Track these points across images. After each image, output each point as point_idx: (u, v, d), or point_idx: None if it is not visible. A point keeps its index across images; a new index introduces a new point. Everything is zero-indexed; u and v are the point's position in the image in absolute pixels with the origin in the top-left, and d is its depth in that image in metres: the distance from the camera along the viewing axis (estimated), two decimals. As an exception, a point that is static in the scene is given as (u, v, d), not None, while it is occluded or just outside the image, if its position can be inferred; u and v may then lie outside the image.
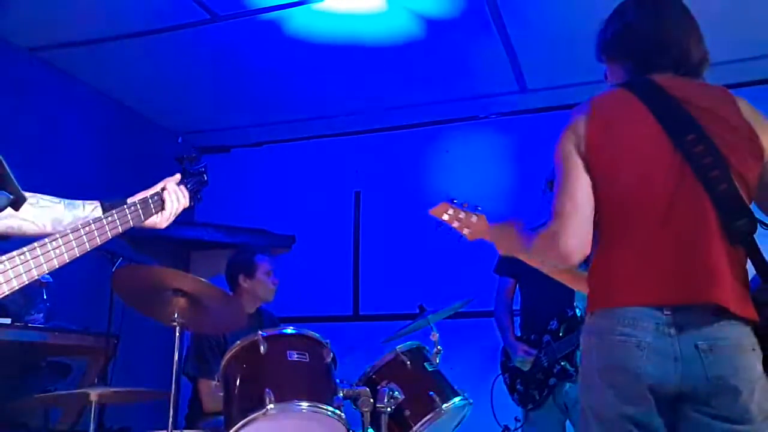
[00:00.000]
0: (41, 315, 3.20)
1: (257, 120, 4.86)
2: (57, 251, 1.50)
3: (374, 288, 4.67)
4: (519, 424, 3.34)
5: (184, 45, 3.79)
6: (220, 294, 2.48)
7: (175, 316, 2.39)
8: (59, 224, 1.70)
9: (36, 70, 3.91)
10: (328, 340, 2.44)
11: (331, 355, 2.42)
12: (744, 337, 1.50)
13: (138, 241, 4.16)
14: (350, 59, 3.95)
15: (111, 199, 1.79)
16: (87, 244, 1.58)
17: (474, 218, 2.24)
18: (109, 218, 1.66)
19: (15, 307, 3.11)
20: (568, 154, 1.64)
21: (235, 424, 2.17)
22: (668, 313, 1.49)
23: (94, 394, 2.46)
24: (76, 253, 1.55)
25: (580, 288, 1.79)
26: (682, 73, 1.70)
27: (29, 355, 3.36)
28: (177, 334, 2.39)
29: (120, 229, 1.70)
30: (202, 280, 2.40)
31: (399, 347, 2.67)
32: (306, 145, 5.08)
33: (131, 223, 1.74)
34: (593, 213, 1.61)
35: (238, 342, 2.36)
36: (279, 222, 4.90)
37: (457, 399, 2.61)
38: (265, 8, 3.44)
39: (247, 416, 2.16)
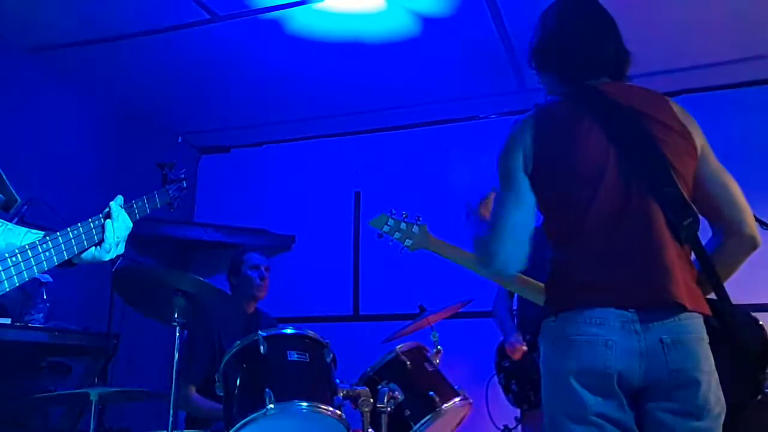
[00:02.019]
0: (41, 315, 3.20)
1: (257, 120, 4.85)
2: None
3: (374, 288, 4.67)
4: (519, 424, 3.35)
5: (184, 45, 3.79)
6: (220, 294, 2.48)
7: (175, 316, 2.39)
8: None
9: (36, 70, 3.91)
10: (328, 340, 2.44)
11: (331, 355, 2.42)
12: (701, 329, 1.54)
13: (138, 241, 4.17)
14: (350, 59, 3.95)
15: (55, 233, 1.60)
16: (51, 259, 1.47)
17: (415, 229, 2.29)
18: (74, 231, 1.56)
19: (15, 307, 3.11)
20: (512, 169, 1.67)
21: (235, 424, 2.18)
22: (633, 311, 1.51)
23: (94, 394, 2.46)
24: (45, 266, 1.46)
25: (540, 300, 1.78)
26: (611, 76, 1.73)
27: (29, 355, 3.36)
28: (177, 334, 2.39)
29: (85, 244, 1.58)
30: (202, 280, 2.40)
31: (399, 347, 2.68)
32: (306, 145, 5.08)
33: (54, 260, 1.53)
34: (531, 229, 1.63)
35: (238, 342, 2.36)
36: (279, 222, 4.90)
37: (457, 399, 2.61)
38: (265, 8, 3.44)
39: (247, 416, 2.16)
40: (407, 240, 2.30)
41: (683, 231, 1.57)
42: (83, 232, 1.62)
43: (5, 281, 1.40)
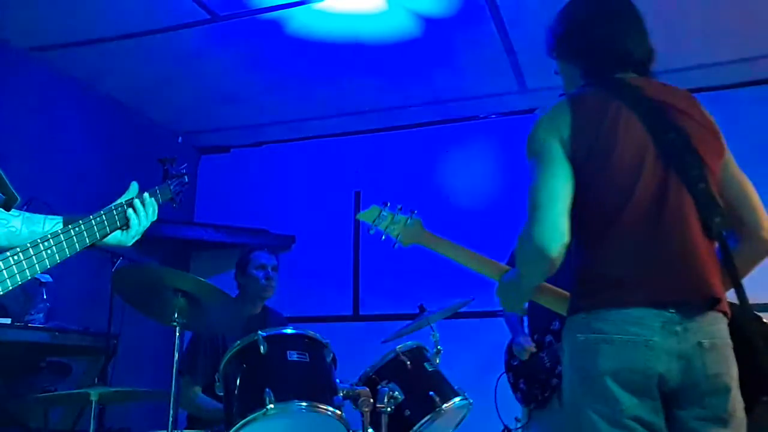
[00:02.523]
0: (41, 315, 3.20)
1: (257, 120, 4.86)
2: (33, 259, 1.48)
3: (374, 288, 4.67)
4: (519, 425, 3.34)
5: (184, 45, 3.79)
6: (220, 294, 2.48)
7: (175, 316, 2.39)
8: (15, 238, 1.66)
9: (36, 70, 3.91)
10: (328, 340, 2.44)
11: (331, 355, 2.42)
12: (728, 335, 1.53)
13: (138, 241, 4.16)
14: (350, 59, 3.95)
15: (74, 215, 1.71)
16: (43, 261, 1.50)
17: (409, 222, 2.17)
18: (76, 228, 1.60)
19: (15, 307, 3.11)
20: (549, 147, 1.60)
21: (235, 424, 2.17)
22: (673, 311, 1.49)
23: (94, 394, 2.45)
24: (47, 264, 1.49)
25: (563, 310, 1.72)
26: (638, 71, 1.70)
27: (29, 355, 3.36)
28: (177, 334, 2.39)
29: (87, 241, 1.62)
30: (202, 280, 2.40)
31: (399, 347, 2.67)
32: (306, 145, 5.08)
33: (97, 235, 1.66)
34: (570, 207, 1.56)
35: (238, 342, 2.36)
36: (279, 222, 4.90)
37: (457, 399, 2.61)
38: (265, 8, 3.44)
39: (247, 416, 2.16)
40: (400, 234, 2.17)
41: (714, 228, 1.55)
42: (106, 219, 1.69)
43: (30, 268, 1.45)
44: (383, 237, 2.22)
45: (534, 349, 3.18)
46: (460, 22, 3.55)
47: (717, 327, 1.51)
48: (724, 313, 1.53)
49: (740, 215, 1.65)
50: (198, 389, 3.07)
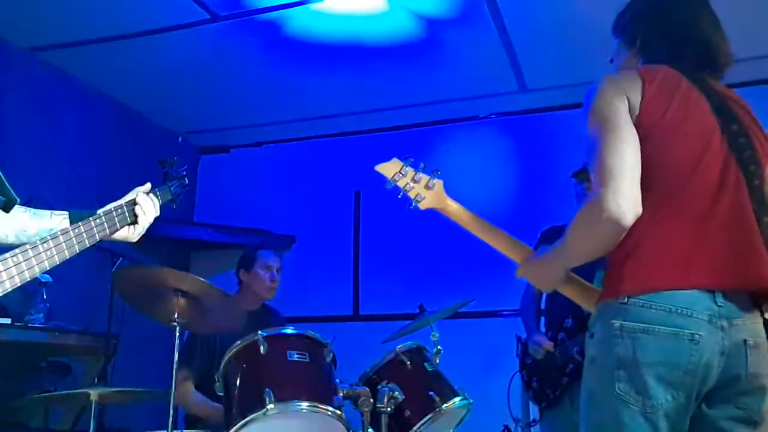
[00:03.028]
0: (41, 315, 3.20)
1: (257, 120, 4.86)
2: (39, 257, 1.50)
3: (374, 288, 4.66)
4: (519, 425, 3.34)
5: (184, 45, 3.79)
6: (220, 294, 2.48)
7: (175, 316, 2.39)
8: (23, 235, 1.69)
9: (36, 70, 3.91)
10: (328, 340, 2.44)
11: (331, 355, 2.42)
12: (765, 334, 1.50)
13: (138, 241, 4.16)
14: (350, 59, 3.95)
15: (80, 210, 1.75)
16: (53, 257, 1.53)
17: (431, 183, 1.98)
18: (76, 230, 1.61)
19: (15, 307, 3.11)
20: (616, 110, 1.50)
21: (235, 424, 2.17)
22: (720, 303, 1.43)
23: (94, 394, 2.46)
24: (47, 265, 1.52)
25: (586, 304, 1.67)
26: (708, 70, 1.65)
27: (29, 355, 3.36)
28: (177, 334, 2.39)
29: (87, 243, 1.64)
30: (202, 280, 2.40)
31: (399, 347, 2.67)
32: (306, 145, 5.08)
33: (97, 236, 1.68)
34: (638, 176, 1.47)
35: (238, 342, 2.36)
36: (279, 222, 4.90)
37: (457, 399, 2.61)
38: (264, 8, 3.44)
39: (247, 416, 2.16)
40: (419, 195, 1.98)
41: (764, 228, 1.50)
42: (106, 221, 1.71)
43: (38, 265, 1.47)
44: (400, 194, 2.03)
45: (551, 348, 3.14)
46: (460, 23, 3.55)
47: (759, 326, 1.47)
48: (763, 314, 1.50)
49: None
50: (191, 385, 3.08)
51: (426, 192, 1.96)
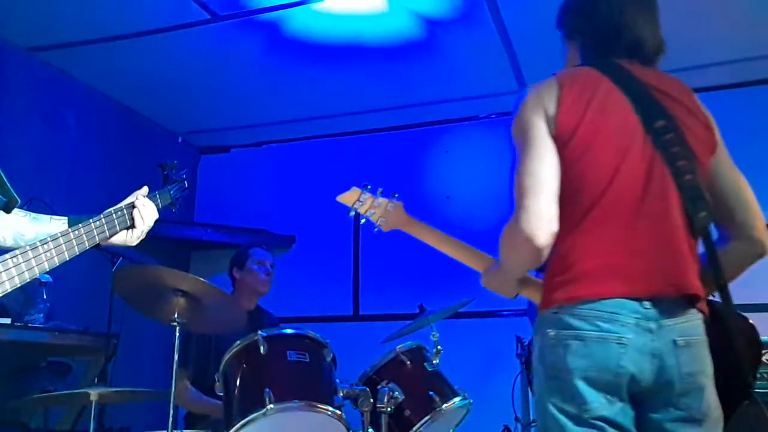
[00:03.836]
0: (41, 315, 3.20)
1: (257, 120, 4.85)
2: (39, 259, 1.50)
3: (374, 288, 4.67)
4: (519, 425, 3.35)
5: (184, 45, 3.79)
6: (220, 294, 2.48)
7: (175, 316, 2.39)
8: (21, 238, 1.69)
9: (36, 70, 3.91)
10: (328, 340, 2.44)
11: (331, 355, 2.42)
12: (703, 332, 1.49)
13: (138, 243, 4.16)
14: (350, 59, 3.95)
15: (79, 215, 1.76)
16: (53, 259, 1.54)
17: (390, 206, 2.08)
18: (75, 232, 1.62)
19: (15, 307, 3.11)
20: (533, 125, 1.52)
21: (235, 424, 2.17)
22: (648, 306, 1.44)
23: (94, 394, 2.45)
24: (46, 267, 1.52)
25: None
26: (638, 59, 1.63)
27: (29, 355, 3.36)
28: (177, 334, 2.39)
29: (86, 245, 1.65)
30: (202, 280, 2.40)
31: (399, 347, 2.67)
32: (306, 145, 5.08)
33: (97, 238, 1.68)
34: (557, 192, 1.49)
35: (238, 342, 2.36)
36: (279, 222, 4.90)
37: (457, 399, 2.61)
38: (264, 8, 3.44)
39: (247, 416, 2.16)
40: (381, 219, 2.08)
41: (698, 223, 1.50)
42: (106, 223, 1.72)
43: (38, 266, 1.49)
44: (363, 221, 2.13)
45: None
46: (460, 23, 3.55)
47: (692, 324, 1.47)
48: (702, 311, 1.49)
49: (731, 213, 1.60)
50: (187, 383, 3.09)
51: (387, 215, 2.07)
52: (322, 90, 4.34)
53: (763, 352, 3.12)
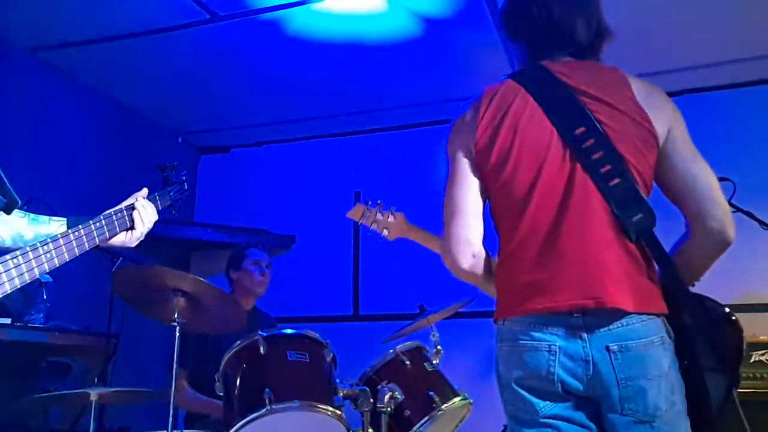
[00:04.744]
0: (41, 315, 3.20)
1: (257, 120, 4.85)
2: (39, 260, 1.51)
3: (374, 288, 4.67)
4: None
5: (184, 45, 3.79)
6: (220, 294, 2.48)
7: (175, 316, 2.39)
8: (20, 239, 1.69)
9: (36, 70, 3.91)
10: (328, 340, 2.44)
11: (331, 355, 2.42)
12: (652, 332, 1.45)
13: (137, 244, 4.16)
14: (350, 59, 3.95)
15: (78, 217, 1.77)
16: (53, 260, 1.55)
17: (391, 218, 2.36)
18: (75, 233, 1.63)
19: (15, 307, 3.11)
20: (455, 154, 1.60)
21: (235, 424, 2.17)
22: (577, 315, 1.44)
23: (94, 394, 2.46)
24: (46, 268, 1.53)
25: None
26: (573, 53, 1.61)
27: (29, 355, 3.35)
28: (177, 334, 2.39)
29: (86, 246, 1.66)
30: (202, 280, 2.40)
31: (399, 347, 2.67)
32: (306, 145, 5.08)
33: (96, 240, 1.70)
34: (480, 212, 1.57)
35: (238, 342, 2.36)
36: (279, 222, 4.90)
37: (457, 399, 2.61)
38: (265, 8, 3.44)
39: (247, 416, 2.16)
40: (384, 229, 2.37)
41: (632, 227, 1.46)
42: (106, 224, 1.74)
43: (38, 267, 1.50)
44: (369, 233, 2.42)
45: None
46: (460, 23, 3.55)
47: (631, 328, 1.43)
48: (645, 314, 1.45)
49: (687, 203, 1.55)
50: (185, 382, 3.09)
51: (390, 225, 2.35)
52: (322, 90, 4.34)
53: (762, 352, 3.12)
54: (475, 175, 1.57)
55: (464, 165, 1.58)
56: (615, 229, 1.47)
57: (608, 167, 1.48)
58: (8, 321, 2.95)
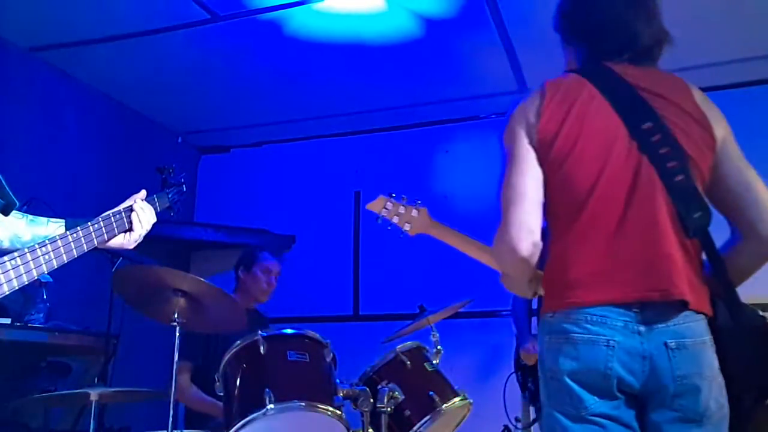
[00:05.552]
0: (41, 315, 3.20)
1: (257, 120, 4.86)
2: (37, 261, 1.51)
3: (374, 288, 4.67)
4: (519, 425, 3.35)
5: (184, 45, 3.79)
6: (220, 294, 2.48)
7: (175, 316, 2.39)
8: (18, 241, 1.69)
9: (36, 70, 3.91)
10: (328, 340, 2.44)
11: (331, 355, 2.42)
12: (705, 332, 1.47)
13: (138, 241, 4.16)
14: (350, 59, 3.95)
15: (76, 219, 1.77)
16: (51, 261, 1.56)
17: (414, 212, 2.24)
18: (74, 235, 1.63)
19: (15, 307, 3.11)
20: (516, 138, 1.57)
21: (235, 424, 2.17)
22: (636, 310, 1.45)
23: (94, 394, 2.45)
24: (44, 269, 1.53)
25: None
26: (633, 58, 1.62)
27: (29, 355, 3.36)
28: (177, 334, 2.39)
29: (85, 248, 1.66)
30: (202, 280, 2.40)
31: (399, 347, 2.67)
32: (306, 145, 5.08)
33: (95, 241, 1.70)
34: (541, 202, 1.53)
35: (238, 342, 2.36)
36: (279, 222, 4.90)
37: (457, 399, 2.61)
38: (265, 8, 3.44)
39: (247, 416, 2.16)
40: (406, 224, 2.25)
41: (692, 223, 1.47)
42: (104, 226, 1.74)
43: (36, 269, 1.51)
44: (389, 227, 2.29)
45: None
46: (460, 23, 3.55)
47: (687, 326, 1.45)
48: (700, 313, 1.47)
49: (740, 211, 1.57)
50: (188, 377, 3.08)
51: (412, 220, 2.24)
52: (322, 90, 4.34)
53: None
54: (538, 165, 1.55)
55: (526, 153, 1.55)
56: (676, 224, 1.49)
57: (674, 163, 1.49)
58: (8, 321, 2.95)
